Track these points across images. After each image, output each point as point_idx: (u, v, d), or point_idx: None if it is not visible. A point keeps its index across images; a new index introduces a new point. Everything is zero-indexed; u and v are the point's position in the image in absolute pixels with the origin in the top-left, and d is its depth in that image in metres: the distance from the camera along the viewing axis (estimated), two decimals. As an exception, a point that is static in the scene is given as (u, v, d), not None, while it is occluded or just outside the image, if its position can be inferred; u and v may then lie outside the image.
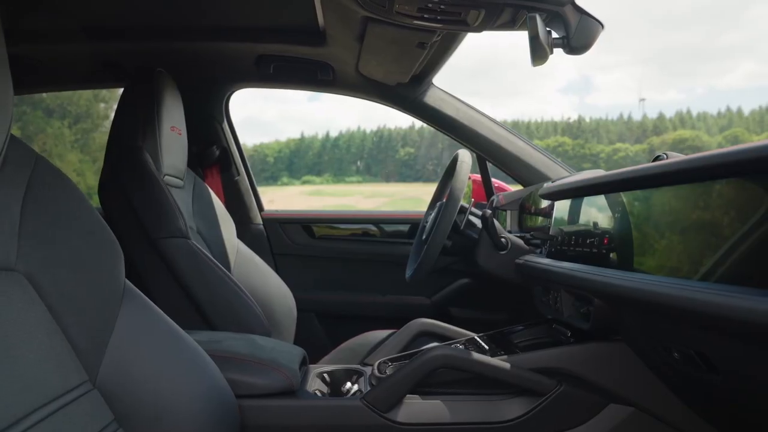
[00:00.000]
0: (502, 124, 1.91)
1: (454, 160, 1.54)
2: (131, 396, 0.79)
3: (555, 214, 1.33)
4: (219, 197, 1.85)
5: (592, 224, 1.09)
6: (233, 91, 2.01)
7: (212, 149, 1.99)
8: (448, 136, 1.91)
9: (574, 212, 1.21)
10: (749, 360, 0.73)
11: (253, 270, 1.78)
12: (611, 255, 0.99)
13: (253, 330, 1.37)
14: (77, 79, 1.96)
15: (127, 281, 0.86)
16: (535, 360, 1.10)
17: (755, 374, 0.73)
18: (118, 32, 1.65)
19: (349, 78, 1.83)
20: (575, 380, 1.09)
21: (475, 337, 1.30)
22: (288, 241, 2.13)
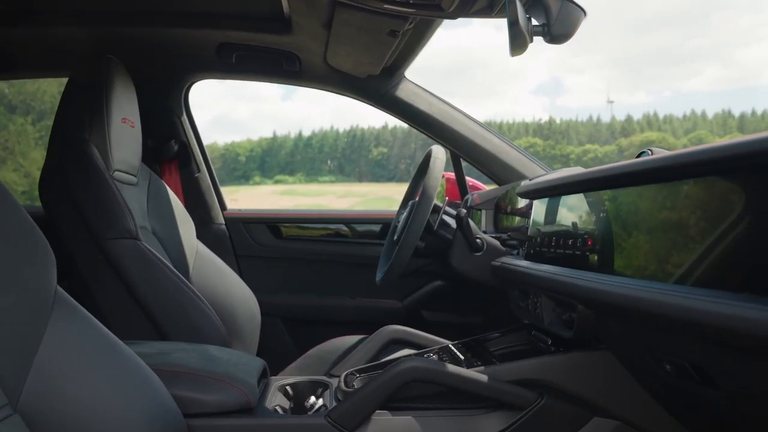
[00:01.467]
0: (477, 121, 1.83)
1: (428, 157, 1.46)
2: (59, 420, 0.70)
3: (533, 213, 1.25)
4: (177, 195, 1.74)
5: (573, 224, 1.01)
6: (193, 82, 1.89)
7: (170, 144, 1.87)
8: (420, 132, 1.83)
9: (554, 212, 1.14)
10: (754, 375, 0.66)
11: (213, 273, 1.67)
12: (595, 257, 0.91)
13: (209, 339, 1.27)
14: (18, 66, 1.81)
15: (59, 288, 0.76)
16: (514, 371, 1.02)
17: (761, 391, 0.66)
18: (63, 16, 1.52)
19: (316, 69, 1.73)
20: (557, 392, 1.01)
21: (450, 346, 1.21)
22: (252, 242, 2.02)
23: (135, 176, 1.50)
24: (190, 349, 1.10)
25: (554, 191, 1.13)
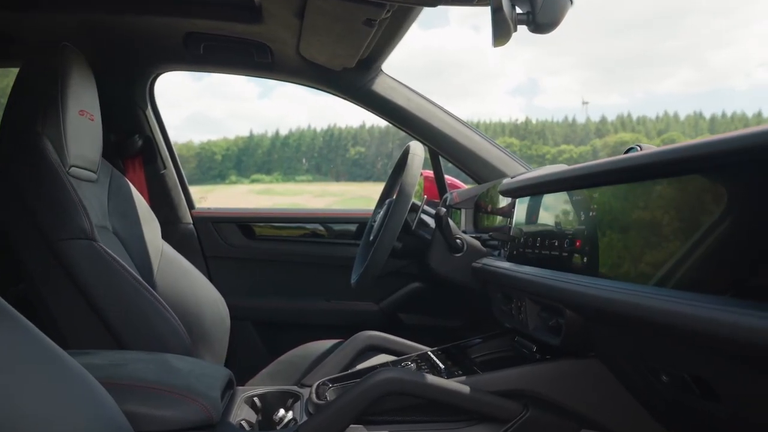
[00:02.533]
0: (457, 117, 1.77)
1: (405, 153, 1.39)
2: None
3: (516, 213, 1.20)
4: (142, 193, 1.64)
5: (559, 224, 0.96)
6: (159, 73, 1.78)
7: (134, 139, 1.77)
8: (398, 128, 1.76)
9: (538, 211, 1.08)
10: (758, 388, 0.60)
11: (179, 275, 1.58)
12: (584, 259, 0.86)
13: (172, 348, 1.18)
14: None
15: None
16: (498, 381, 0.95)
17: (765, 405, 0.60)
18: (14, 0, 1.41)
19: (289, 61, 1.65)
20: (543, 404, 0.95)
21: (429, 353, 1.14)
22: (221, 243, 1.92)
23: (94, 172, 1.40)
24: (149, 359, 1.01)
25: (539, 189, 1.07)
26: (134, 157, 1.79)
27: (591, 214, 0.87)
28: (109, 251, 1.20)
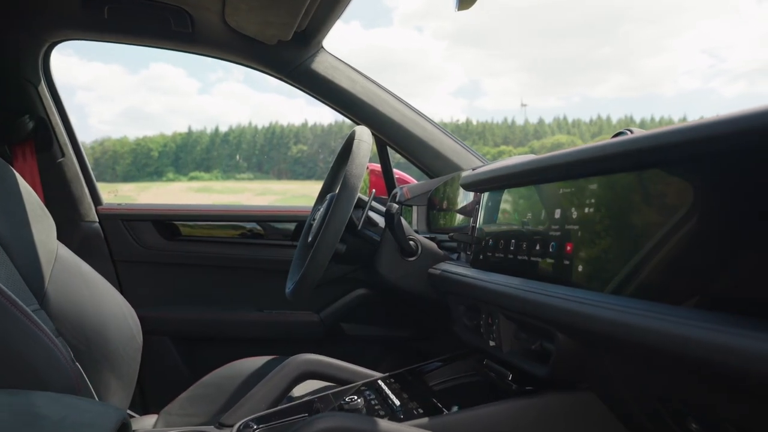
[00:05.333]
0: (408, 104, 1.58)
1: (350, 139, 1.18)
2: None
3: (482, 210, 1.01)
4: (34, 186, 1.36)
5: (544, 223, 0.77)
6: (54, 42, 1.49)
7: (23, 120, 1.47)
8: (341, 113, 1.55)
9: (511, 208, 0.90)
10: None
11: (78, 284, 1.31)
12: (579, 268, 0.67)
13: (51, 383, 0.92)
14: None
15: None
16: (469, 423, 0.75)
17: None
18: None
19: (214, 31, 1.41)
20: None
21: (379, 382, 0.93)
22: (134, 244, 1.65)
23: None
24: (4, 403, 0.76)
25: (513, 180, 0.88)
26: (24, 142, 1.50)
27: (588, 210, 0.68)
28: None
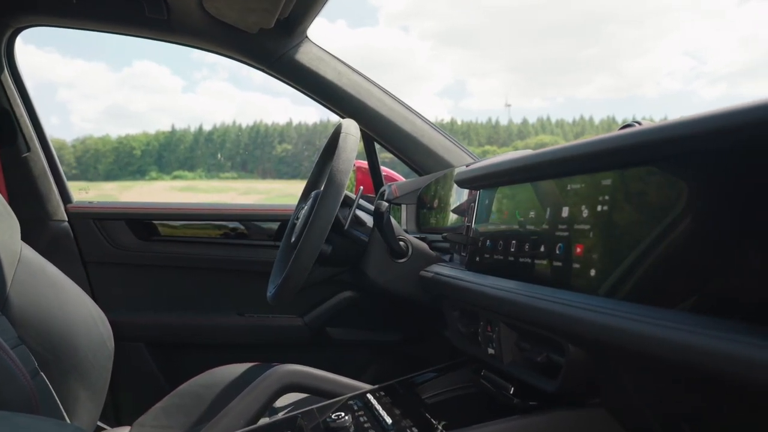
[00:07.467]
0: (396, 97, 1.51)
1: (336, 133, 1.11)
2: None
3: (478, 208, 0.94)
4: (-4, 182, 1.27)
5: (549, 223, 0.70)
6: (18, 28, 1.39)
7: None
8: (326, 107, 1.48)
9: (511, 206, 0.83)
10: None
11: (44, 286, 1.22)
12: (592, 273, 0.60)
13: (3, 403, 0.84)
14: None
15: None
16: None
17: None
18: None
19: (191, 18, 1.33)
20: None
21: (368, 396, 0.86)
22: (106, 244, 1.56)
23: None
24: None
25: (513, 176, 0.81)
26: (-16, 136, 1.41)
27: (601, 208, 0.61)
28: None
